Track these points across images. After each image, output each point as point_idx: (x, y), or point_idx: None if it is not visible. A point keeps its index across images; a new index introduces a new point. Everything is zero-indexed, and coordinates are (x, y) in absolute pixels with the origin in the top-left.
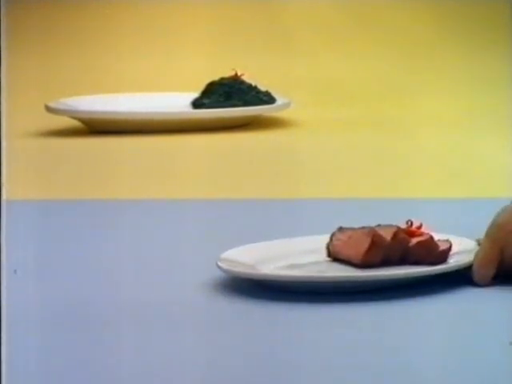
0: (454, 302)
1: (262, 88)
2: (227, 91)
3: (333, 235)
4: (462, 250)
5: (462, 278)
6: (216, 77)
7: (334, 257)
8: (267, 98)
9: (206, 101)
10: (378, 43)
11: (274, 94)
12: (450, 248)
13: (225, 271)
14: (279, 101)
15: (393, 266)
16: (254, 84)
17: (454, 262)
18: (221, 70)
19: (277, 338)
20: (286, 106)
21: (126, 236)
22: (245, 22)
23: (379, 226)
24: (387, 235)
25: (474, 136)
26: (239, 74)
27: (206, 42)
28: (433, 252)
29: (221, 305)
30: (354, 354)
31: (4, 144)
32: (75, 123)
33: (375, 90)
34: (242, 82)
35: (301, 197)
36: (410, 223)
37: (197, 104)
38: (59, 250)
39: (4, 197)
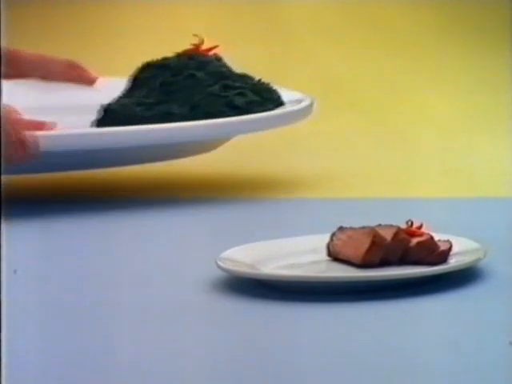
0: (454, 302)
1: (256, 77)
2: (165, 86)
3: (333, 235)
4: (463, 250)
5: (462, 279)
6: None
7: (334, 256)
8: (243, 102)
9: (115, 106)
10: (378, 44)
11: (283, 90)
12: (450, 248)
13: (225, 271)
14: (287, 105)
15: (393, 266)
16: (229, 68)
17: (454, 262)
18: None
19: (276, 337)
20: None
21: (126, 235)
22: (245, 23)
23: (379, 225)
24: (387, 235)
25: (474, 136)
26: (205, 46)
27: (206, 42)
28: (433, 252)
29: (221, 304)
30: (354, 354)
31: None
32: None
33: (375, 90)
34: (203, 65)
35: (301, 197)
36: (410, 223)
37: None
38: (59, 249)
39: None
